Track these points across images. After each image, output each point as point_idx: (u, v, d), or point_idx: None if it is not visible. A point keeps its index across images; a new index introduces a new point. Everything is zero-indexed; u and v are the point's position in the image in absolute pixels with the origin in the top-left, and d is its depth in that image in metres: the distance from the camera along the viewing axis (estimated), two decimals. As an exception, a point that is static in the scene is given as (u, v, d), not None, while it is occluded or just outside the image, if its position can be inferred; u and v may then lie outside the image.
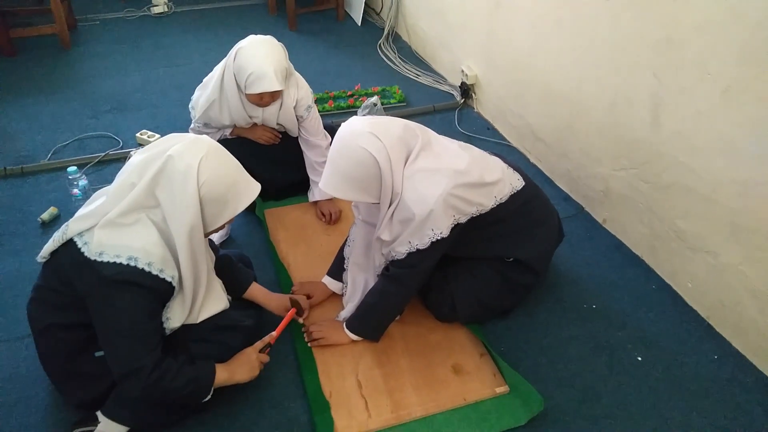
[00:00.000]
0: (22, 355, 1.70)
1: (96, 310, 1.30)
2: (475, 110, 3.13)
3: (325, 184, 1.52)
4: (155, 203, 1.31)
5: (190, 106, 2.18)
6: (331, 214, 2.21)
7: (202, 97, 2.10)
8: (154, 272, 1.29)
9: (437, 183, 1.48)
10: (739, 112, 1.61)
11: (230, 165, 1.38)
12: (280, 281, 1.96)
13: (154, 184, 1.29)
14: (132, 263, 1.26)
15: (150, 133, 2.75)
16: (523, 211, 1.68)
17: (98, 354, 1.41)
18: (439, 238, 1.50)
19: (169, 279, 1.32)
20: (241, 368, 1.49)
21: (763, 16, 1.49)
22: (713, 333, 1.85)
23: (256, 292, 1.71)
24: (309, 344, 1.72)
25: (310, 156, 2.22)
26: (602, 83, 2.12)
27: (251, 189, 1.41)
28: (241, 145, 2.12)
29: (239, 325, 1.58)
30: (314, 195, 2.26)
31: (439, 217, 1.48)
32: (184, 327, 1.44)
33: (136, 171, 1.31)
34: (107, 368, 1.34)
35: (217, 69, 2.07)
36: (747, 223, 1.67)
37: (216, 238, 2.07)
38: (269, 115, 2.11)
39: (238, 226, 2.23)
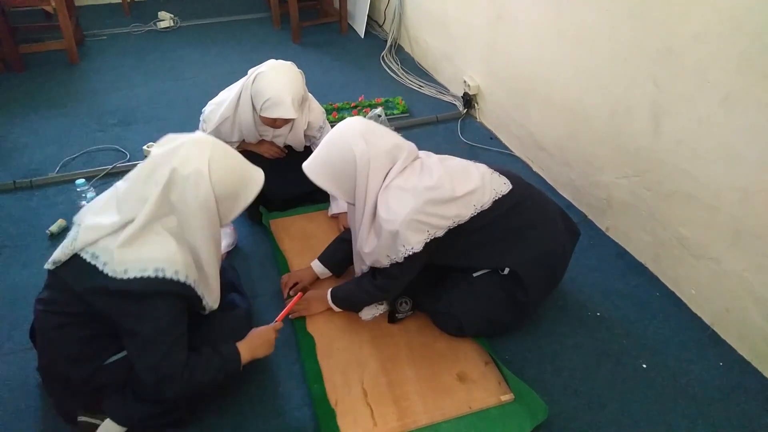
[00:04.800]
0: (32, 366, 1.71)
1: (125, 323, 1.31)
2: (478, 120, 3.15)
3: (306, 166, 1.62)
4: (169, 210, 1.33)
5: (201, 119, 2.21)
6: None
7: (215, 112, 2.13)
8: (182, 280, 1.32)
9: (405, 203, 1.55)
10: (740, 119, 1.63)
11: (235, 158, 1.43)
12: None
13: (167, 192, 1.31)
14: (160, 274, 1.28)
15: (149, 155, 2.79)
16: (511, 216, 1.67)
17: (107, 361, 1.43)
18: (411, 253, 1.57)
19: (192, 284, 1.35)
20: (261, 347, 1.55)
21: (761, 24, 1.51)
22: (718, 340, 1.85)
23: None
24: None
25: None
26: (603, 92, 2.14)
27: (257, 177, 1.47)
28: (246, 157, 2.15)
29: (237, 331, 1.59)
30: (332, 209, 2.29)
31: (408, 235, 1.54)
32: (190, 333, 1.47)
33: (141, 183, 1.33)
34: (110, 378, 1.38)
35: (234, 88, 2.11)
36: (750, 229, 1.68)
37: (223, 247, 2.09)
38: (280, 134, 2.14)
39: (244, 237, 2.25)
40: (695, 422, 1.60)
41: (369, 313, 1.86)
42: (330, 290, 1.84)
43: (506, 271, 1.70)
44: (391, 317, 1.85)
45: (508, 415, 1.58)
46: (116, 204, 1.35)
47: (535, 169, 2.70)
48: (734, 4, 1.57)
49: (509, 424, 1.56)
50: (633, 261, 2.16)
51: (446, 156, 1.74)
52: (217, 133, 2.13)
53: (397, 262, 1.60)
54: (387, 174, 1.59)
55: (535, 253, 1.69)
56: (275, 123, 2.04)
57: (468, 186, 1.62)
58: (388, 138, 1.62)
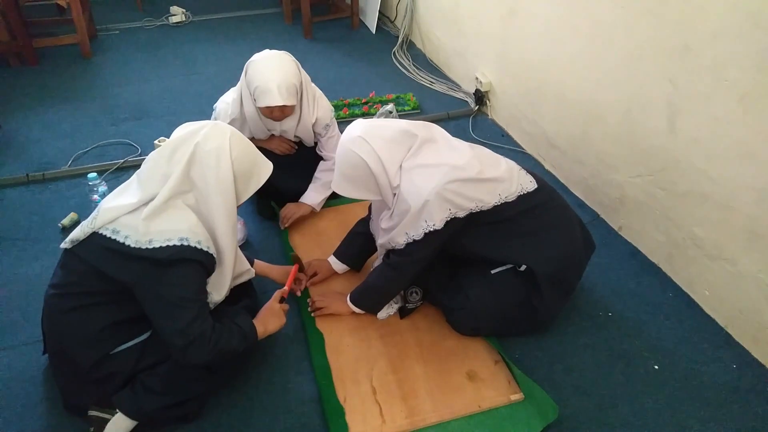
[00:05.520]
0: (41, 359, 1.73)
1: (150, 292, 1.35)
2: (490, 117, 3.13)
3: (335, 186, 1.68)
4: (189, 187, 1.41)
5: (213, 116, 2.20)
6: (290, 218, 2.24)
7: (225, 111, 2.12)
8: (204, 248, 1.38)
9: (432, 177, 1.55)
10: (757, 119, 1.60)
11: (249, 142, 1.53)
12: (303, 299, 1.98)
13: (188, 168, 1.39)
14: (185, 243, 1.35)
15: (168, 140, 2.79)
16: (534, 214, 1.67)
17: (115, 350, 1.45)
18: (432, 229, 1.56)
19: (213, 254, 1.42)
20: (271, 320, 1.61)
21: (781, 22, 1.48)
22: (732, 342, 1.83)
23: (259, 266, 1.87)
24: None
25: (320, 168, 2.28)
26: (618, 90, 2.11)
27: (267, 164, 1.57)
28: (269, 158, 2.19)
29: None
30: (305, 197, 2.29)
31: (433, 209, 1.54)
32: None
33: (164, 162, 1.40)
34: (117, 368, 1.42)
35: (237, 85, 2.10)
36: (765, 230, 1.65)
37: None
38: (287, 128, 2.13)
39: (255, 232, 2.25)
40: (707, 425, 1.58)
41: (384, 311, 1.84)
42: (348, 295, 1.83)
43: (523, 267, 1.68)
44: (402, 311, 1.84)
45: (518, 415, 1.57)
46: (137, 186, 1.43)
47: (547, 167, 2.68)
48: (752, 1, 1.54)
49: (519, 424, 1.55)
50: (646, 261, 2.14)
51: (476, 145, 1.73)
52: None
53: (414, 240, 1.59)
54: (405, 156, 1.60)
55: (552, 253, 1.67)
56: (272, 114, 2.01)
57: (495, 172, 1.62)
58: (390, 127, 1.62)
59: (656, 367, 1.74)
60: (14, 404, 1.61)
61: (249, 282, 1.79)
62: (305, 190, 2.31)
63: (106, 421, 1.47)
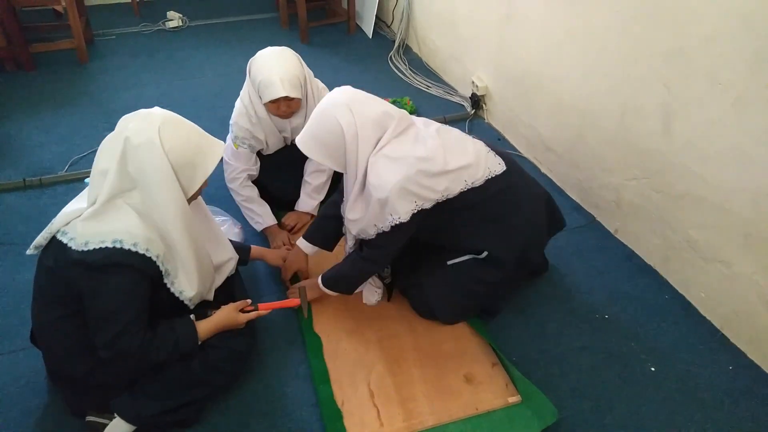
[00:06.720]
0: (40, 364, 1.72)
1: (87, 298, 1.33)
2: (486, 121, 3.14)
3: (299, 140, 1.61)
4: (131, 185, 1.33)
5: (229, 135, 2.19)
6: (294, 226, 2.25)
7: (239, 125, 2.11)
8: (141, 251, 1.32)
9: (396, 170, 1.53)
10: (751, 121, 1.61)
11: (189, 129, 1.41)
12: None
13: (124, 164, 1.31)
14: (118, 245, 1.29)
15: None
16: (501, 198, 1.67)
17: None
18: (398, 222, 1.56)
19: (154, 258, 1.34)
20: (226, 324, 1.54)
21: (773, 26, 1.50)
22: (728, 344, 1.83)
23: (254, 251, 1.91)
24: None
25: (308, 170, 2.26)
26: (613, 93, 2.13)
27: (215, 148, 1.45)
28: (263, 161, 2.23)
29: (243, 330, 1.60)
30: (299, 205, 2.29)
31: (396, 203, 1.54)
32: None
33: (104, 159, 1.34)
34: (113, 374, 1.41)
35: (242, 91, 2.11)
36: (761, 232, 1.66)
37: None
38: (297, 125, 2.13)
39: (252, 237, 2.25)
40: (704, 427, 1.58)
41: (371, 297, 1.89)
42: (320, 276, 1.82)
43: (484, 254, 1.71)
44: (388, 295, 1.92)
45: (516, 417, 1.57)
46: (87, 191, 1.40)
47: (543, 170, 2.69)
48: (745, 4, 1.55)
49: (516, 426, 1.55)
50: (642, 263, 2.15)
51: (446, 127, 1.72)
52: (250, 140, 2.13)
53: (384, 232, 1.60)
54: (378, 142, 1.58)
55: (517, 240, 1.72)
56: (279, 110, 2.01)
57: (461, 161, 1.60)
58: (375, 106, 1.60)
59: (652, 369, 1.75)
60: (12, 409, 1.61)
61: (242, 287, 1.80)
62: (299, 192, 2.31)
63: (104, 426, 1.47)
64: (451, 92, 3.42)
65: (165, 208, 1.34)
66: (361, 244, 1.74)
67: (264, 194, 2.24)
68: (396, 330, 1.83)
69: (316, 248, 1.94)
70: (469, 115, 3.17)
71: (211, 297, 1.59)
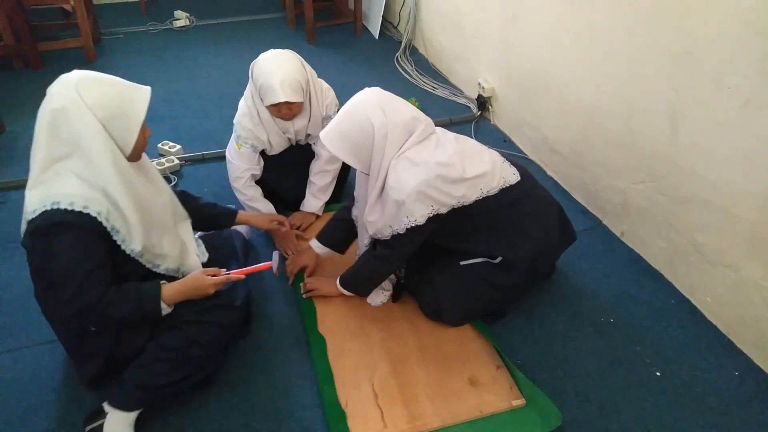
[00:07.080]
0: (45, 361, 1.73)
1: (43, 263, 1.36)
2: (492, 123, 3.14)
3: (324, 135, 1.61)
4: (68, 150, 1.34)
5: (233, 134, 2.18)
6: (300, 226, 2.24)
7: (242, 125, 2.11)
8: (77, 209, 1.32)
9: (416, 174, 1.55)
10: (759, 125, 1.60)
11: (109, 81, 1.39)
12: (296, 283, 1.99)
13: (54, 131, 1.33)
14: (55, 206, 1.31)
15: (171, 143, 2.80)
16: (515, 207, 1.70)
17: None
18: (413, 225, 1.58)
19: (94, 214, 1.34)
20: (194, 289, 1.52)
21: (783, 29, 1.49)
22: (734, 349, 1.82)
23: (241, 216, 1.94)
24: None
25: (313, 170, 2.26)
26: (619, 96, 2.12)
27: (143, 94, 1.43)
28: (267, 161, 2.22)
29: (231, 304, 1.61)
30: (303, 205, 2.28)
31: (413, 206, 1.55)
32: (177, 309, 1.50)
33: (36, 129, 1.37)
34: (102, 343, 1.48)
35: (246, 91, 2.11)
36: (767, 237, 1.65)
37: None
38: (299, 127, 2.13)
39: (258, 236, 2.25)
40: (710, 432, 1.57)
41: (376, 298, 1.90)
42: (338, 277, 1.87)
43: (498, 260, 1.73)
44: (396, 296, 1.92)
45: (520, 420, 1.57)
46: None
47: (548, 172, 2.68)
48: (754, 7, 1.54)
49: (520, 429, 1.54)
50: (648, 267, 2.14)
51: (462, 136, 1.75)
52: (253, 141, 2.12)
53: (399, 234, 1.62)
54: (402, 145, 1.60)
55: (530, 248, 1.72)
56: (280, 112, 2.01)
57: (478, 169, 1.63)
58: (405, 110, 1.63)
59: (658, 373, 1.74)
60: (16, 407, 1.62)
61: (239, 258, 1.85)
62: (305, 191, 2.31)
63: (101, 426, 1.49)
64: (458, 94, 3.42)
65: (101, 162, 1.34)
66: (375, 243, 1.76)
67: (269, 194, 2.24)
68: (400, 331, 1.83)
69: (327, 249, 1.98)
70: (475, 116, 3.16)
71: (186, 270, 1.60)
